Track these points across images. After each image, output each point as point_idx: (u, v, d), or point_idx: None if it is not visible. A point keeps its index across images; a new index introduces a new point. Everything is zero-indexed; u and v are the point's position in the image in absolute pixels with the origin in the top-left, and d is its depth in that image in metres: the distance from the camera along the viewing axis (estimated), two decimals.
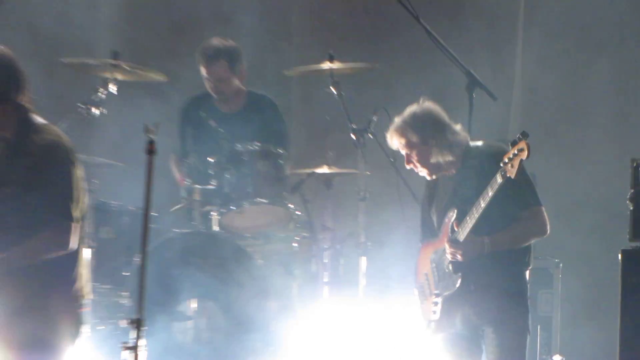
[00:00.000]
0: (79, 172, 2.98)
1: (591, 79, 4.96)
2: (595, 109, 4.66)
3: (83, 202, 3.01)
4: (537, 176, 4.03)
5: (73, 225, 2.86)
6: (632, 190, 3.53)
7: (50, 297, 2.90)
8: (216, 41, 4.36)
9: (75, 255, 2.97)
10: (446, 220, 3.22)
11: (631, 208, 3.51)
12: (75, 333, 2.97)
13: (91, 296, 3.12)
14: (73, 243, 2.85)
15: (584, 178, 4.69)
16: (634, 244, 3.56)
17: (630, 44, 5.16)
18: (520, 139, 2.99)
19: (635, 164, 3.58)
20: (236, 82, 4.41)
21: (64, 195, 2.89)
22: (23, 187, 2.87)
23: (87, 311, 3.30)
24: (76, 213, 2.82)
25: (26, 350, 2.85)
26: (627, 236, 3.54)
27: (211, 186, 4.11)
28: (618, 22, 5.20)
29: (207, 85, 4.33)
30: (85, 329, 3.45)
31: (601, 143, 4.57)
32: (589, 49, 4.90)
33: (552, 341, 4.59)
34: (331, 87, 4.18)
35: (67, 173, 2.90)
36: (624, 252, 3.56)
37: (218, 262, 3.98)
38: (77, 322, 3.01)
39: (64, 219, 2.83)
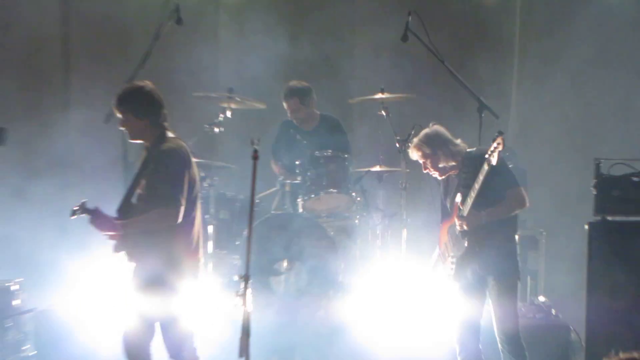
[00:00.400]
0: (193, 170, 3.73)
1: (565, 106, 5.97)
2: (574, 124, 5.71)
3: (195, 191, 3.74)
4: (527, 171, 5.24)
5: (179, 207, 3.56)
6: (595, 180, 4.55)
7: (174, 250, 3.68)
8: (292, 83, 5.40)
9: (191, 224, 3.73)
10: (456, 203, 3.95)
11: (594, 193, 4.53)
12: (192, 277, 3.74)
13: (202, 256, 3.87)
14: (179, 218, 3.59)
15: (563, 172, 5.53)
16: (596, 218, 4.56)
17: (611, 71, 6.08)
18: (497, 135, 3.74)
19: (597, 162, 4.60)
20: (306, 111, 5.42)
21: (175, 186, 3.58)
22: (150, 180, 3.63)
23: (205, 267, 4.55)
24: (183, 198, 3.53)
25: (158, 284, 3.62)
26: (592, 212, 4.54)
27: (297, 181, 5.15)
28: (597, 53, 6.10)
29: (288, 113, 5.43)
30: (209, 280, 4.72)
31: (575, 146, 5.46)
32: (570, 77, 5.85)
33: (538, 287, 5.47)
34: (382, 111, 5.11)
35: (179, 171, 3.63)
36: (590, 224, 4.57)
37: (302, 234, 5.00)
38: (194, 270, 3.79)
39: (172, 202, 3.54)
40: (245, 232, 4.17)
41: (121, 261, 3.77)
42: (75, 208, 3.68)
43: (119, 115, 3.75)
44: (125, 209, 3.74)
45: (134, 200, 3.79)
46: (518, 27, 6.48)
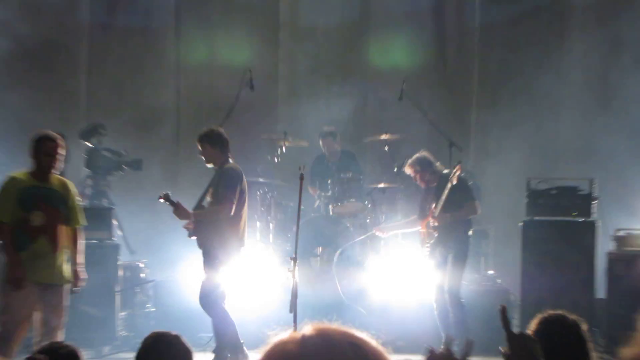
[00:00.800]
0: (243, 183, 4.85)
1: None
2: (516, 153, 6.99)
3: (244, 197, 4.77)
4: (480, 186, 6.60)
5: (232, 205, 4.62)
6: (527, 192, 6.02)
7: (225, 235, 4.78)
8: (326, 128, 7.01)
9: (239, 219, 4.85)
10: (431, 207, 5.32)
11: (526, 201, 5.98)
12: (237, 254, 4.79)
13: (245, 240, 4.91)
14: (231, 213, 4.66)
15: (507, 186, 6.94)
16: (528, 218, 6.00)
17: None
18: (457, 164, 5.15)
19: (528, 180, 6.09)
20: (335, 146, 6.92)
21: (230, 192, 4.67)
22: (215, 188, 4.80)
23: (268, 252, 5.85)
24: (235, 201, 4.59)
25: (213, 257, 4.71)
26: (525, 214, 5.93)
27: (328, 194, 6.60)
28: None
29: (323, 149, 6.94)
30: (271, 260, 5.99)
31: (514, 168, 6.75)
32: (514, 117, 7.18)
33: (488, 264, 6.75)
34: (386, 147, 6.68)
35: (233, 185, 4.76)
36: (523, 222, 6.06)
37: (332, 228, 6.41)
38: (238, 249, 4.82)
39: (226, 202, 4.63)
40: (294, 228, 4.95)
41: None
42: (162, 194, 4.78)
43: (200, 147, 5.00)
44: (198, 208, 5.02)
45: (204, 203, 4.98)
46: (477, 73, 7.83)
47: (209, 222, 4.90)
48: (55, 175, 4.59)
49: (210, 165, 5.14)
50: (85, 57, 8.02)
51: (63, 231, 4.49)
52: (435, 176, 5.41)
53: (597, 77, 7.41)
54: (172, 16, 8.13)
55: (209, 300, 4.93)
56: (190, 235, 4.95)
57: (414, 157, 5.49)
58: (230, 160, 5.05)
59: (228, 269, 4.90)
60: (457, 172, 5.14)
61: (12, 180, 4.46)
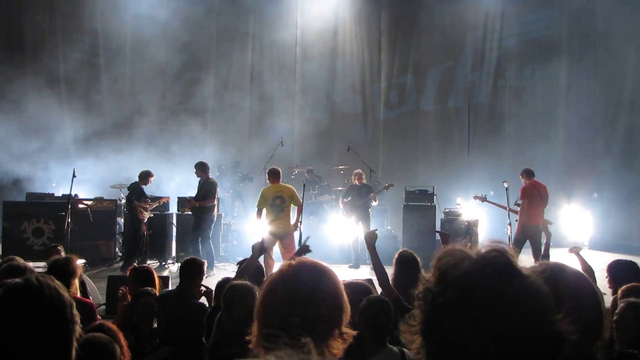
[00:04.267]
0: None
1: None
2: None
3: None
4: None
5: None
6: (404, 195, 14.59)
7: None
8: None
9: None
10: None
11: (404, 202, 14.52)
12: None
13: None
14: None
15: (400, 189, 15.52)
16: (405, 203, 14.60)
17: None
18: (388, 186, 13.12)
19: (405, 187, 14.50)
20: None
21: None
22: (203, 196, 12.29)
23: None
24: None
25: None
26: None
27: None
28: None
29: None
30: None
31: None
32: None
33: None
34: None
35: (214, 192, 12.17)
36: (403, 205, 14.56)
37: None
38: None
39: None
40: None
41: None
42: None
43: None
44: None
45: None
46: None
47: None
48: None
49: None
50: None
51: None
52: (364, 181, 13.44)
53: None
54: None
55: None
56: None
57: (358, 171, 13.38)
58: (212, 179, 12.98)
59: None
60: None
61: None
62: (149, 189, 12.34)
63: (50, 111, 15.38)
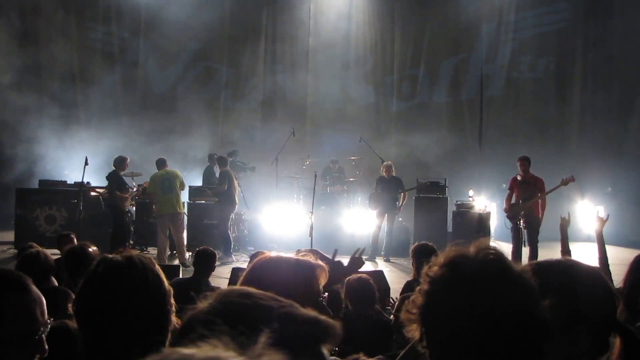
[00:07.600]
0: None
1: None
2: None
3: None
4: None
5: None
6: (415, 187, 14.46)
7: None
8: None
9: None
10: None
11: (415, 185, 14.39)
12: None
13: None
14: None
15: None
16: (417, 195, 14.49)
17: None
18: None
19: (417, 179, 14.52)
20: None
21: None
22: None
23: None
24: None
25: None
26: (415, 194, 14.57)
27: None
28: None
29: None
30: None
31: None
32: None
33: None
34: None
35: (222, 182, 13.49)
36: (415, 197, 14.52)
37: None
38: None
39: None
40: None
41: None
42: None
43: None
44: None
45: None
46: None
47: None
48: None
49: None
50: None
51: None
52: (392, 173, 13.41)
53: None
54: None
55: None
56: None
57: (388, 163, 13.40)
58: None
59: None
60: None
61: None
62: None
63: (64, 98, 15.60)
